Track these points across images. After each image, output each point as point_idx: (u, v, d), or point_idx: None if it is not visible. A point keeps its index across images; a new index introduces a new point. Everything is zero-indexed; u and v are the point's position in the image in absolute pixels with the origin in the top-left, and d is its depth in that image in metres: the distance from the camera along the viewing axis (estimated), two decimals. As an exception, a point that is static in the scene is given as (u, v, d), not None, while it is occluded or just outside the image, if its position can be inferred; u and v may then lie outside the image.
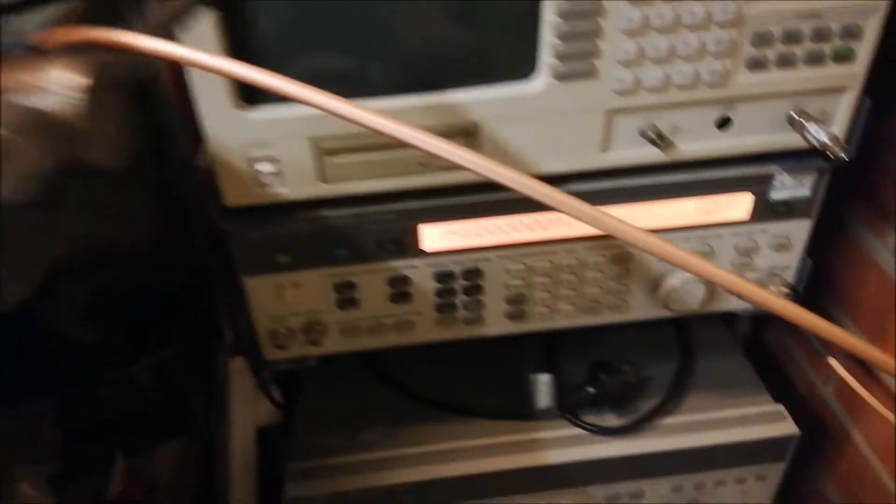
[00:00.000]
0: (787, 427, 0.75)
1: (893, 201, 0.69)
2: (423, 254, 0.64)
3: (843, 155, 0.54)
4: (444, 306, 0.67)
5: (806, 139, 0.57)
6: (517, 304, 0.69)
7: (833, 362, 0.63)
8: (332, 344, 0.69)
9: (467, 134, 0.55)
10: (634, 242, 0.42)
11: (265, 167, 0.55)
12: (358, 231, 0.61)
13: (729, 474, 0.77)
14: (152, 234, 0.70)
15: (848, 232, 0.76)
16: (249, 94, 0.52)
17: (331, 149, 0.55)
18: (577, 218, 0.42)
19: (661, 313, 0.71)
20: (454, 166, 0.57)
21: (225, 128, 0.53)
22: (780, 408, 0.77)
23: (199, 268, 0.68)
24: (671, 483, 0.77)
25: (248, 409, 0.82)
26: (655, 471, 0.76)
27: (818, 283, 0.76)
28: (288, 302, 0.65)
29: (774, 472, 0.79)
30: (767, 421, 0.76)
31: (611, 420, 0.76)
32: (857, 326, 0.76)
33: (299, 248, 0.61)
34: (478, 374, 0.83)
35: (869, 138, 0.68)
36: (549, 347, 0.83)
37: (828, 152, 0.54)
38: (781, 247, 0.67)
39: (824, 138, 0.55)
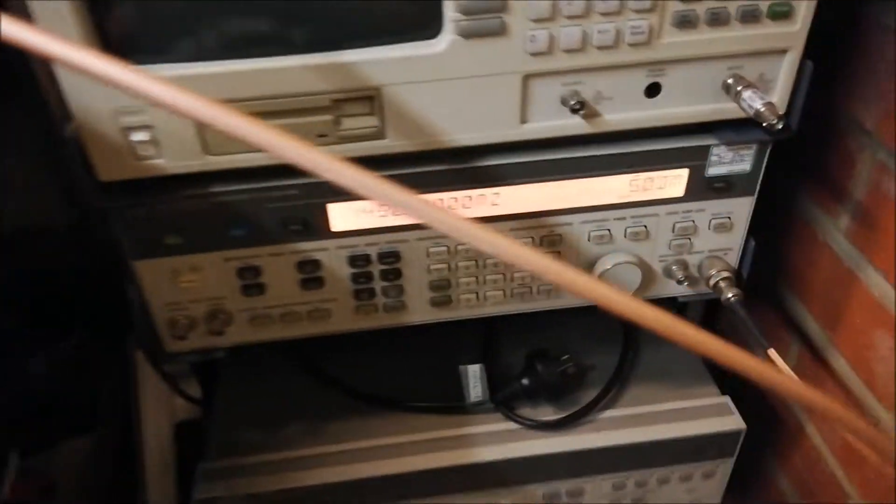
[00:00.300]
0: (733, 421, 0.71)
1: (845, 178, 0.64)
2: (333, 235, 0.58)
3: (778, 123, 0.49)
4: (362, 292, 0.62)
5: (742, 108, 0.52)
6: (442, 291, 0.64)
7: (773, 354, 0.59)
8: (240, 334, 0.63)
9: (368, 99, 0.50)
10: (458, 235, 0.34)
11: (140, 136, 0.49)
12: (257, 210, 0.56)
13: (673, 471, 0.73)
14: (41, 215, 0.64)
15: (798, 212, 0.72)
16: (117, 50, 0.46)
17: (215, 116, 0.49)
18: (400, 207, 0.35)
19: (597, 299, 0.67)
20: (358, 136, 0.52)
21: (90, 92, 0.47)
22: (726, 400, 0.73)
23: (100, 252, 0.63)
24: (612, 480, 0.72)
25: (163, 404, 0.77)
26: (595, 467, 0.71)
27: (769, 266, 0.72)
28: (186, 288, 0.59)
29: (722, 469, 0.75)
30: (713, 414, 0.72)
31: (548, 413, 0.72)
32: (810, 312, 0.72)
33: (190, 228, 0.56)
34: (410, 365, 0.78)
35: (818, 108, 0.63)
36: (487, 337, 0.78)
37: (763, 122, 0.50)
38: (722, 227, 0.63)
39: (759, 105, 0.50)
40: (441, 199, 0.58)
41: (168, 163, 0.52)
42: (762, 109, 0.50)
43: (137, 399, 0.73)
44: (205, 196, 0.54)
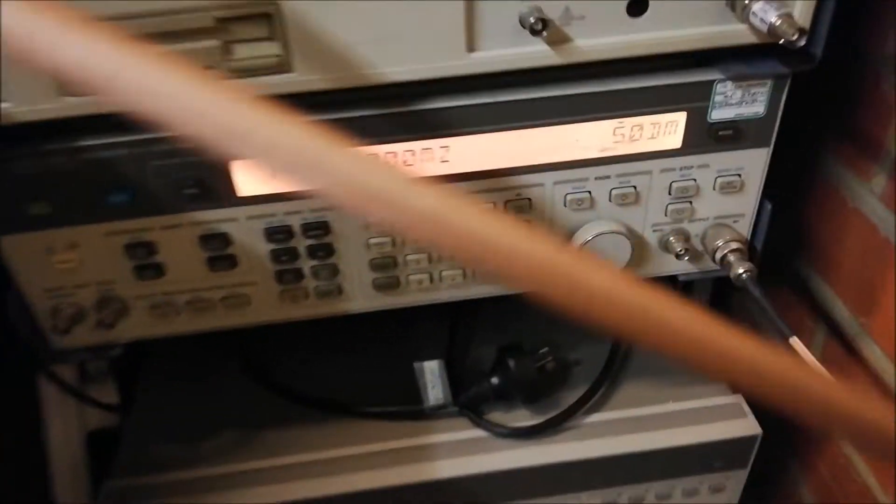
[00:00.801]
0: (746, 425, 0.59)
1: (880, 130, 0.52)
2: (241, 201, 0.47)
3: (798, 39, 0.37)
4: (286, 274, 0.51)
5: (752, 25, 0.40)
6: (386, 271, 0.52)
7: (796, 344, 0.47)
8: (140, 327, 0.52)
9: (265, 17, 0.38)
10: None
11: (-34, 69, 0.38)
12: (139, 168, 0.44)
13: (675, 486, 0.61)
14: None
15: (822, 172, 0.59)
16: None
17: (62, 40, 0.38)
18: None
19: (578, 280, 0.55)
20: (255, 69, 0.40)
21: None
22: (739, 400, 0.61)
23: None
24: (601, 497, 0.61)
25: (72, 411, 0.65)
26: (580, 483, 0.59)
27: (786, 239, 0.60)
28: (64, 270, 0.48)
29: (734, 482, 0.63)
30: (722, 417, 0.60)
31: (523, 418, 0.60)
32: (837, 293, 0.60)
33: (59, 193, 0.44)
34: (362, 365, 0.66)
35: (846, 42, 0.51)
36: (451, 329, 0.67)
37: (779, 37, 0.38)
38: (730, 187, 0.51)
39: (773, 17, 0.38)
40: (375, 155, 0.46)
41: (15, 107, 0.40)
42: (777, 22, 0.38)
43: (40, 404, 0.62)
44: (71, 151, 0.43)
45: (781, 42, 0.37)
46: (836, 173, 0.58)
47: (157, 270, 0.49)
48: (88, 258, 0.48)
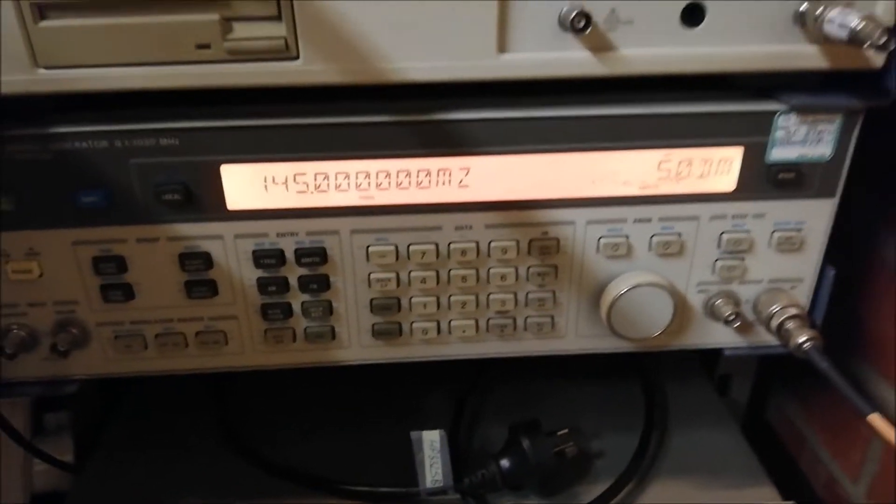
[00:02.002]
0: (805, 538, 0.49)
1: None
2: (230, 215, 0.41)
3: (886, 41, 0.32)
4: (273, 309, 0.44)
5: (826, 35, 0.35)
6: (387, 314, 0.45)
7: (877, 421, 0.38)
8: (99, 360, 0.45)
9: (272, -6, 0.34)
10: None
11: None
12: (116, 165, 0.39)
13: None
14: None
15: (883, 251, 0.53)
16: None
17: (44, 0, 0.33)
18: None
19: (610, 345, 0.47)
20: (256, 51, 0.36)
21: None
22: (794, 508, 0.51)
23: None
24: None
25: (17, 467, 0.57)
26: None
27: (835, 322, 0.52)
28: (20, 282, 0.42)
29: None
30: (775, 527, 0.50)
31: (536, 511, 0.50)
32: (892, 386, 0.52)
33: (23, 187, 0.39)
34: (356, 434, 0.58)
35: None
36: (459, 399, 0.58)
37: (864, 41, 0.33)
38: (788, 244, 0.44)
39: (854, 22, 0.33)
40: (386, 172, 0.40)
41: (-20, 78, 0.36)
42: (860, 24, 0.33)
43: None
44: (42, 139, 0.38)
45: (867, 45, 0.32)
46: (892, 244, 0.51)
47: (127, 292, 0.42)
48: (50, 270, 0.41)
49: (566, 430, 0.52)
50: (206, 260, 0.42)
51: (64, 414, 0.62)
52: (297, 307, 0.44)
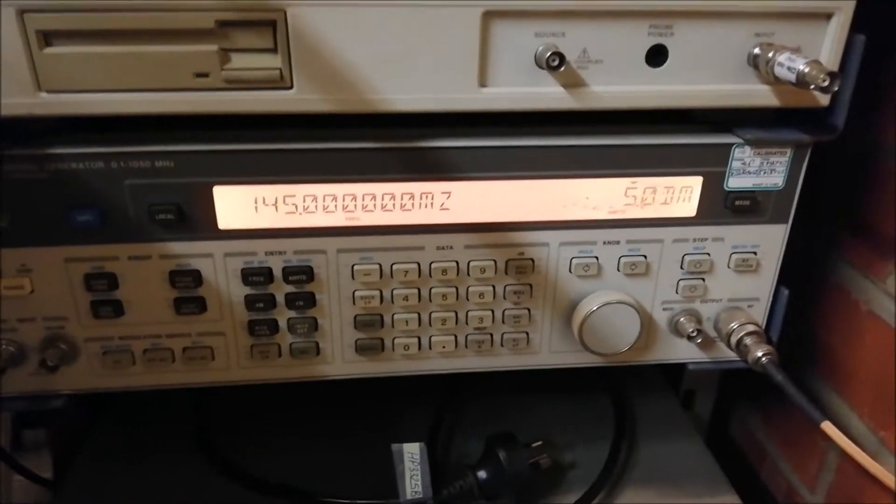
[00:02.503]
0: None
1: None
2: (221, 234, 0.43)
3: (831, 85, 0.35)
4: (260, 326, 0.46)
5: (775, 76, 0.39)
6: (370, 331, 0.47)
7: (829, 428, 0.41)
8: (87, 375, 0.46)
9: (269, 25, 0.36)
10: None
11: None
12: (111, 186, 0.40)
13: None
14: None
15: (830, 273, 0.56)
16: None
17: (50, 28, 0.35)
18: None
19: (581, 359, 0.50)
20: (252, 81, 0.38)
21: None
22: (754, 515, 0.54)
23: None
24: None
25: (-6, 485, 0.57)
26: None
27: (790, 347, 0.55)
28: (11, 297, 0.43)
29: None
30: (737, 535, 0.52)
31: (511, 521, 0.52)
32: (850, 405, 0.55)
33: (19, 205, 0.40)
34: (336, 447, 0.59)
35: (860, 136, 0.50)
36: (437, 413, 0.60)
37: (810, 84, 0.36)
38: (745, 265, 0.47)
39: (801, 65, 0.37)
40: (372, 195, 0.43)
41: (-15, 101, 0.37)
42: (806, 69, 0.36)
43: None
44: (40, 159, 0.39)
45: (812, 87, 0.36)
46: (846, 274, 0.55)
47: (117, 308, 0.44)
48: (42, 287, 0.43)
49: (540, 443, 0.54)
50: (196, 277, 0.44)
51: (41, 431, 0.62)
52: (283, 323, 0.46)
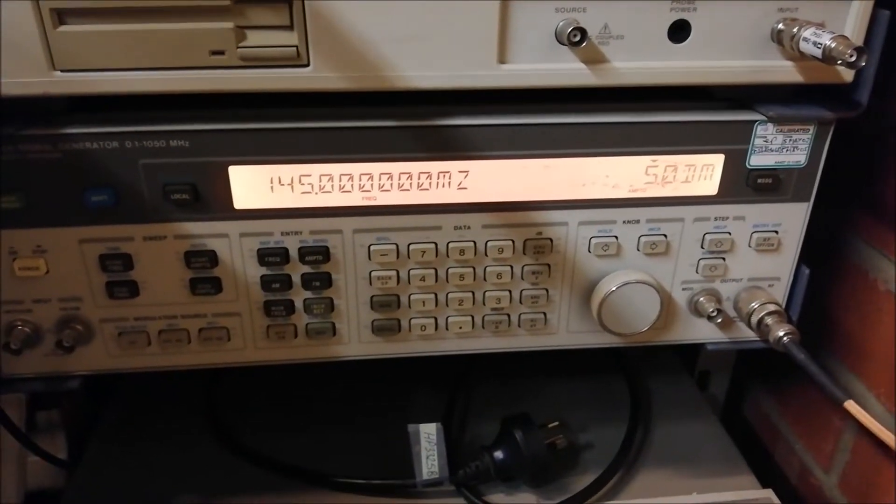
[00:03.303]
0: (781, 523, 0.52)
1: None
2: (236, 214, 0.42)
3: (858, 60, 0.35)
4: (276, 306, 0.45)
5: (801, 51, 0.38)
6: (387, 311, 0.47)
7: (852, 407, 0.41)
8: (102, 356, 0.46)
9: (285, 2, 0.36)
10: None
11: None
12: (126, 166, 0.40)
13: None
14: None
15: (847, 254, 0.56)
16: None
17: (63, 6, 0.35)
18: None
19: (599, 340, 0.50)
20: (268, 58, 0.37)
21: None
22: (769, 494, 0.54)
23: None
24: None
25: (13, 464, 0.57)
26: (590, 583, 0.51)
27: (806, 327, 0.55)
28: (27, 278, 0.42)
29: (764, 592, 0.54)
30: (753, 513, 0.52)
31: (528, 500, 0.52)
32: (867, 385, 0.55)
33: (34, 185, 0.40)
34: (352, 429, 0.59)
35: (881, 115, 0.49)
36: (452, 393, 0.60)
37: (837, 59, 0.35)
38: (766, 244, 0.47)
39: (827, 40, 0.36)
40: (388, 174, 0.42)
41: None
42: (833, 43, 0.35)
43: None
44: (54, 139, 0.39)
45: (839, 63, 0.35)
46: (865, 253, 0.54)
47: (132, 289, 0.44)
48: (57, 267, 0.42)
49: (557, 423, 0.54)
50: (212, 258, 0.43)
51: (55, 412, 0.62)
52: (299, 304, 0.46)
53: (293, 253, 0.44)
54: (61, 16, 0.35)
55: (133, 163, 0.40)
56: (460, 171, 0.42)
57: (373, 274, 0.45)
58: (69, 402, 0.62)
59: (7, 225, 0.41)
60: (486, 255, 0.45)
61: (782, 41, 0.39)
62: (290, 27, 0.36)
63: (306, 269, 0.44)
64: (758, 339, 0.49)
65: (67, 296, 0.43)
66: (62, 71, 0.36)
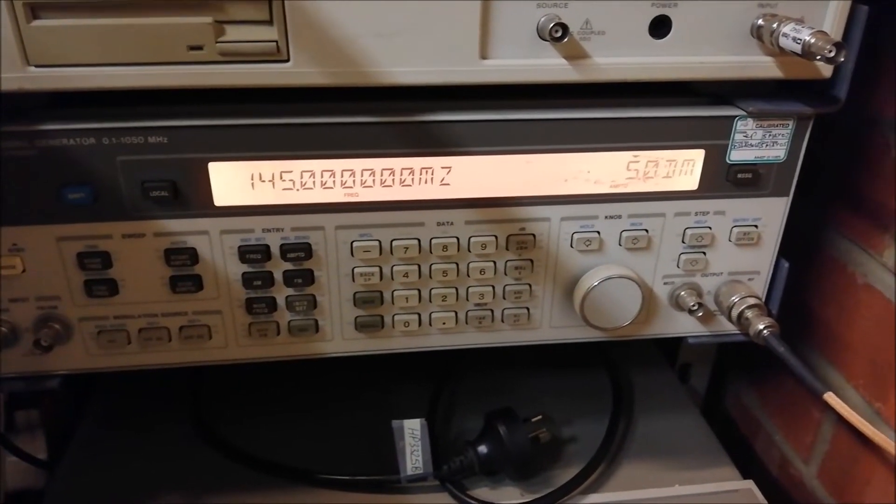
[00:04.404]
0: (761, 514, 0.53)
1: (892, 196, 0.50)
2: (216, 211, 0.42)
3: (837, 56, 0.35)
4: (258, 304, 0.45)
5: (780, 47, 0.38)
6: (370, 308, 0.46)
7: (832, 399, 0.42)
8: (81, 355, 0.45)
9: (264, -3, 0.35)
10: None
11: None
12: (104, 162, 0.39)
13: (681, 584, 0.53)
14: None
15: (826, 247, 0.56)
16: None
17: (37, 0, 0.34)
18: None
19: (581, 334, 0.50)
20: (247, 53, 0.37)
21: None
22: (750, 485, 0.54)
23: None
24: None
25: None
26: (574, 575, 0.52)
27: (785, 320, 0.56)
28: (3, 276, 0.42)
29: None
30: (733, 502, 0.53)
31: (511, 496, 0.52)
32: (846, 377, 0.56)
33: (9, 183, 0.39)
34: (335, 426, 0.59)
35: (856, 111, 0.50)
36: (436, 390, 0.60)
37: (816, 54, 0.36)
38: (746, 238, 0.47)
39: (806, 35, 0.36)
40: (371, 170, 0.42)
41: (-29, 77, 0.36)
42: (812, 39, 0.36)
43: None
44: (29, 135, 0.38)
45: (818, 58, 0.35)
46: (842, 247, 0.55)
47: (111, 288, 0.43)
48: (34, 266, 0.42)
49: (540, 417, 0.54)
50: (192, 255, 0.43)
51: (35, 412, 0.61)
52: (281, 301, 0.45)
53: (275, 250, 0.44)
54: (35, 10, 0.34)
55: (111, 159, 0.39)
56: (443, 167, 0.42)
57: (355, 270, 0.45)
58: (49, 401, 0.62)
59: (-18, 223, 0.40)
60: (469, 250, 0.45)
61: (762, 37, 0.40)
62: (270, 22, 0.36)
63: (288, 266, 0.44)
64: (738, 332, 0.49)
65: (45, 294, 0.43)
66: (36, 66, 0.35)
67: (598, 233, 0.46)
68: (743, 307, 0.47)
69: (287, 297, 0.45)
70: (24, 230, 0.41)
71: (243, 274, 0.44)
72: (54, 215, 0.40)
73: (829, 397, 0.41)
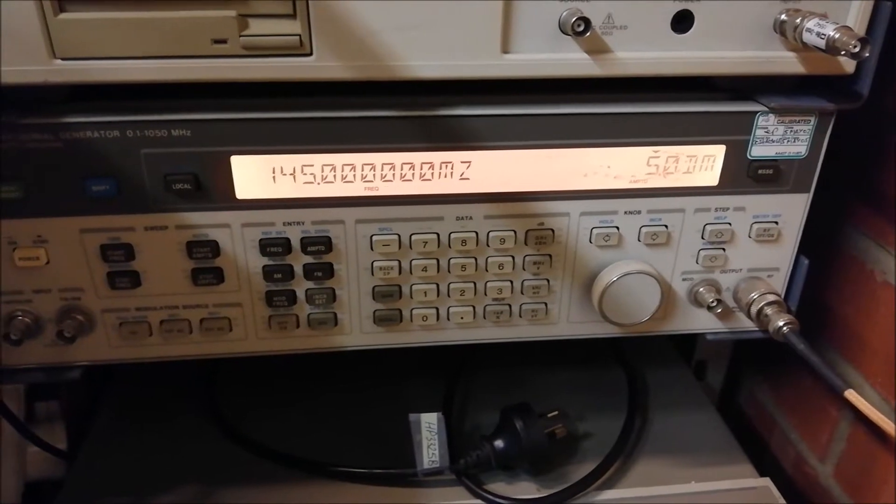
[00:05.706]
0: (778, 511, 0.52)
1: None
2: (238, 204, 0.42)
3: (862, 51, 0.35)
4: (278, 296, 0.45)
5: (803, 42, 0.38)
6: (389, 301, 0.47)
7: (853, 396, 0.41)
8: (103, 347, 0.45)
9: (288, -9, 0.35)
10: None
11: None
12: (127, 155, 0.40)
13: (696, 581, 0.53)
14: None
15: (844, 245, 0.56)
16: None
17: (65, -6, 0.34)
18: None
19: (599, 330, 0.50)
20: (271, 47, 0.37)
21: None
22: (767, 483, 0.54)
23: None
24: (613, 591, 0.52)
25: (11, 455, 0.57)
26: (589, 570, 0.52)
27: (803, 318, 0.55)
28: (27, 269, 0.42)
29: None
30: (747, 501, 0.53)
31: (527, 490, 0.53)
32: (864, 375, 0.55)
33: (33, 176, 0.40)
34: (351, 419, 0.59)
35: (876, 107, 0.50)
36: (451, 384, 0.60)
37: (840, 50, 0.35)
38: (766, 235, 0.47)
39: (830, 31, 0.36)
40: (391, 164, 0.42)
41: (-1, 68, 0.36)
42: (836, 34, 0.36)
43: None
44: (54, 128, 0.39)
45: (842, 54, 0.35)
46: (861, 244, 0.55)
47: (133, 280, 0.43)
48: (57, 258, 0.42)
49: (556, 412, 0.54)
50: (214, 248, 0.43)
51: (55, 402, 0.62)
52: (301, 294, 0.46)
53: (295, 243, 0.44)
54: (62, 3, 0.35)
55: (134, 152, 0.40)
56: (463, 162, 0.42)
57: (375, 264, 0.45)
58: (68, 392, 0.62)
59: (7, 215, 0.40)
60: (487, 245, 0.45)
61: (785, 32, 0.39)
62: (294, 16, 0.36)
63: (308, 259, 0.44)
64: (757, 329, 0.49)
65: (68, 286, 0.43)
66: (63, 59, 0.36)
67: (618, 228, 0.46)
68: (762, 304, 0.47)
69: (307, 291, 0.46)
70: (48, 222, 0.41)
71: (264, 267, 0.44)
72: (78, 207, 0.41)
73: (850, 394, 0.41)
